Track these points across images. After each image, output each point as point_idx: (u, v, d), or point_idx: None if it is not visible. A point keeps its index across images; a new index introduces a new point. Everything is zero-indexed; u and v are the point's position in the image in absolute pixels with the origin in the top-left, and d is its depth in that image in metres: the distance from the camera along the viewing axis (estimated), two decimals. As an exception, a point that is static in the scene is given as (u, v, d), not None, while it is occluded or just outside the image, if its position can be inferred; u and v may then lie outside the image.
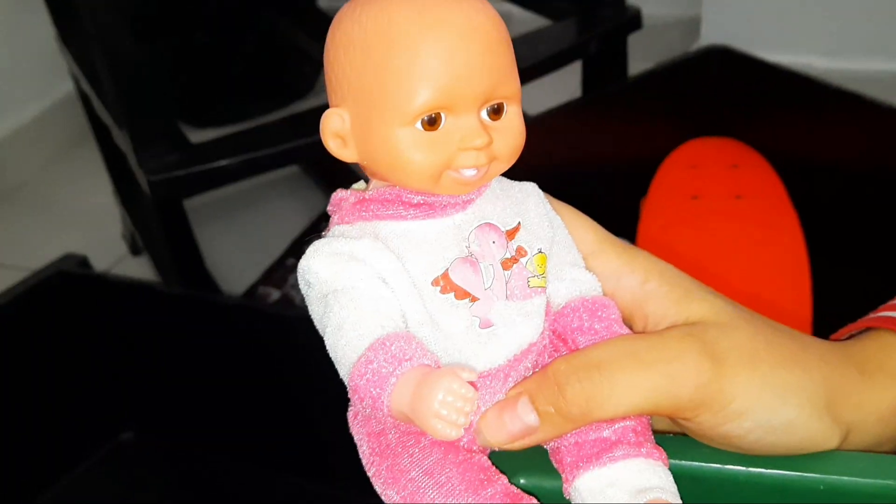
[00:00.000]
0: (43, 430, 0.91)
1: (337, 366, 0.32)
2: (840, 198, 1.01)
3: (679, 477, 0.35)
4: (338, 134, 0.33)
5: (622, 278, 0.36)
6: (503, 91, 0.32)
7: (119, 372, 0.93)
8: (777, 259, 0.96)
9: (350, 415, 0.34)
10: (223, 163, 0.89)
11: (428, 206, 0.33)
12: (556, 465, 0.35)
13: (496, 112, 0.32)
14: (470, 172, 0.32)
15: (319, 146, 0.95)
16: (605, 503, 0.33)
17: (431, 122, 0.31)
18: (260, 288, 1.17)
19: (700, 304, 0.35)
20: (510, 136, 0.33)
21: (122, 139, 0.93)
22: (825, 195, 1.02)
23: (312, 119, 1.01)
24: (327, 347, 0.32)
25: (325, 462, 0.87)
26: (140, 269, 1.23)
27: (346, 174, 1.31)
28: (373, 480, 0.33)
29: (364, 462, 0.33)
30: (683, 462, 0.35)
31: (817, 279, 0.94)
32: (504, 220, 0.34)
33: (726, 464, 0.35)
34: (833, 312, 0.94)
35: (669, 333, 0.34)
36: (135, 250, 1.26)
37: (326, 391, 0.81)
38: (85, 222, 1.36)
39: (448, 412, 0.28)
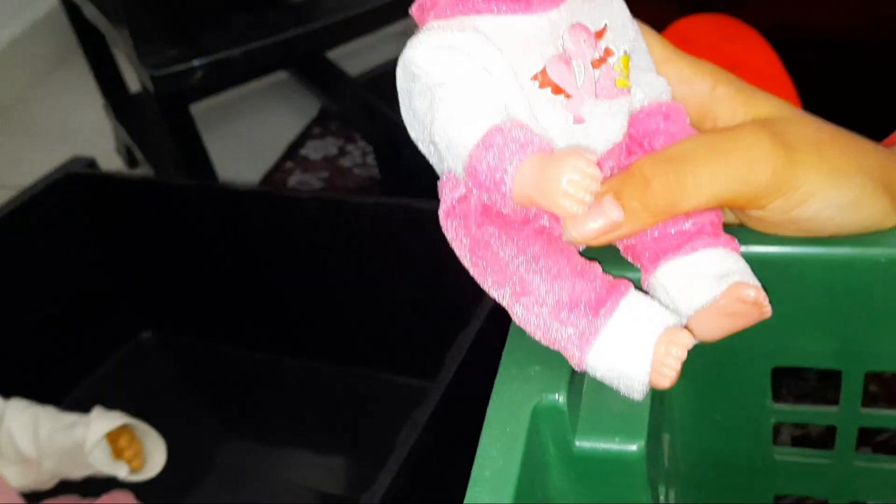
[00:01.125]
0: (64, 332, 0.91)
1: (448, 154, 0.32)
2: (836, 68, 1.03)
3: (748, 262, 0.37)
4: None
5: (693, 84, 0.38)
6: None
7: (135, 271, 0.94)
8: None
9: (442, 213, 0.35)
10: (226, 55, 0.89)
11: (526, 1, 0.33)
12: (632, 261, 0.37)
13: None
14: None
15: (318, 35, 0.96)
16: (690, 289, 0.35)
17: None
18: (261, 191, 1.18)
19: (767, 103, 0.38)
20: None
21: (120, 41, 0.93)
22: (820, 66, 1.04)
23: (307, 12, 1.01)
24: (435, 139, 0.32)
25: (344, 343, 0.89)
26: (137, 180, 1.23)
27: (338, 78, 1.31)
28: (474, 274, 0.34)
29: (463, 257, 0.34)
30: (752, 247, 0.38)
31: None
32: (593, 20, 0.34)
33: (792, 245, 0.37)
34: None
35: (742, 126, 0.36)
36: (131, 162, 1.26)
37: (342, 274, 0.83)
38: (75, 139, 1.35)
39: (575, 190, 0.29)
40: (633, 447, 0.33)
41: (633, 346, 0.32)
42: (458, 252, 0.34)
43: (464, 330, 0.66)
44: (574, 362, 0.33)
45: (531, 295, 0.33)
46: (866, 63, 0.99)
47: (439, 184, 0.35)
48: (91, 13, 1.02)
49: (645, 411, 0.34)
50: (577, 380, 0.34)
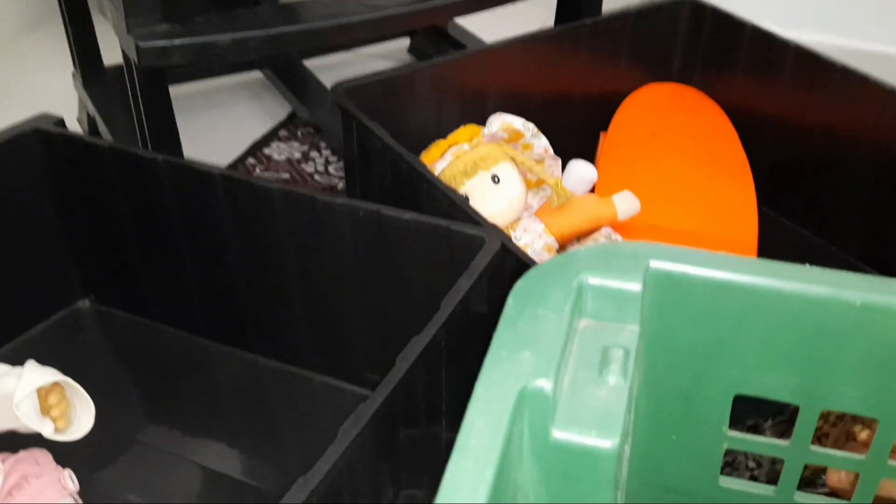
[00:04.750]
0: (2, 286, 0.90)
1: None
2: (787, 150, 1.08)
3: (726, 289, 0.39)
4: None
5: None
6: None
7: (86, 237, 0.93)
8: (727, 194, 1.02)
9: None
10: (213, 39, 0.89)
11: None
12: None
13: None
14: None
15: (305, 36, 0.97)
16: None
17: None
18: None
19: None
20: None
21: (110, 8, 0.92)
22: (774, 146, 1.09)
23: (297, 13, 1.02)
24: None
25: (286, 340, 0.89)
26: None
27: (309, 82, 1.32)
28: None
29: None
30: (732, 275, 0.40)
31: (762, 223, 1.01)
32: None
33: (772, 278, 0.39)
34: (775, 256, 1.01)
35: None
36: (92, 134, 1.24)
37: (298, 271, 0.84)
38: (38, 102, 1.33)
39: None
40: (608, 444, 0.34)
41: None
42: None
43: (417, 335, 0.67)
44: None
45: None
46: (813, 144, 1.04)
47: None
48: (81, -23, 1.02)
49: (621, 410, 0.35)
50: (563, 370, 0.36)
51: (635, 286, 0.39)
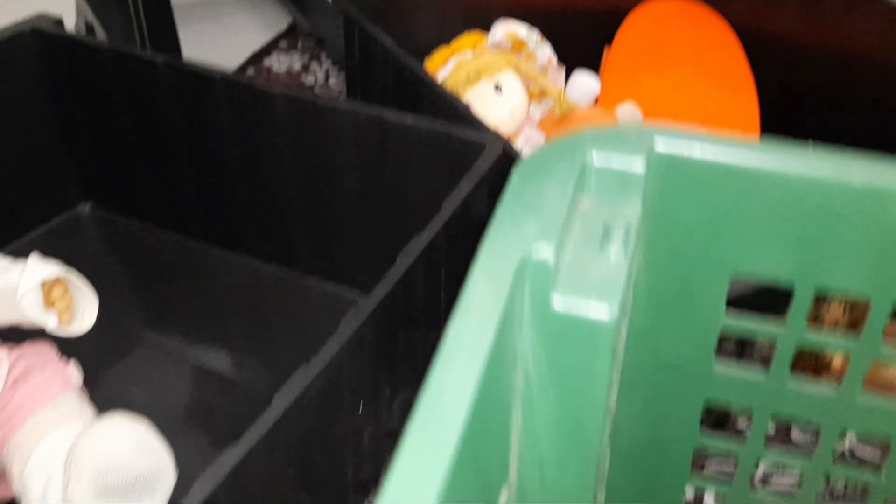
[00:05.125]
0: (1, 188, 0.90)
1: None
2: (794, 70, 1.07)
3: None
4: None
5: None
6: None
7: (85, 140, 0.92)
8: (730, 110, 1.01)
9: None
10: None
11: None
12: None
13: None
14: None
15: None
16: None
17: None
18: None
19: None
20: None
21: None
22: (780, 66, 1.08)
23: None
24: None
25: (285, 245, 0.89)
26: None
27: (312, -5, 1.30)
28: None
29: None
30: (737, 158, 0.40)
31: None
32: None
33: (776, 158, 0.40)
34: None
35: None
36: (90, 40, 1.23)
37: (299, 175, 0.84)
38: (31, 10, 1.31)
39: None
40: (608, 313, 0.35)
41: None
42: None
43: (418, 236, 0.67)
44: None
45: None
46: (821, 66, 1.04)
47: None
48: None
49: (621, 283, 0.36)
50: (565, 243, 0.36)
51: (639, 166, 0.39)
